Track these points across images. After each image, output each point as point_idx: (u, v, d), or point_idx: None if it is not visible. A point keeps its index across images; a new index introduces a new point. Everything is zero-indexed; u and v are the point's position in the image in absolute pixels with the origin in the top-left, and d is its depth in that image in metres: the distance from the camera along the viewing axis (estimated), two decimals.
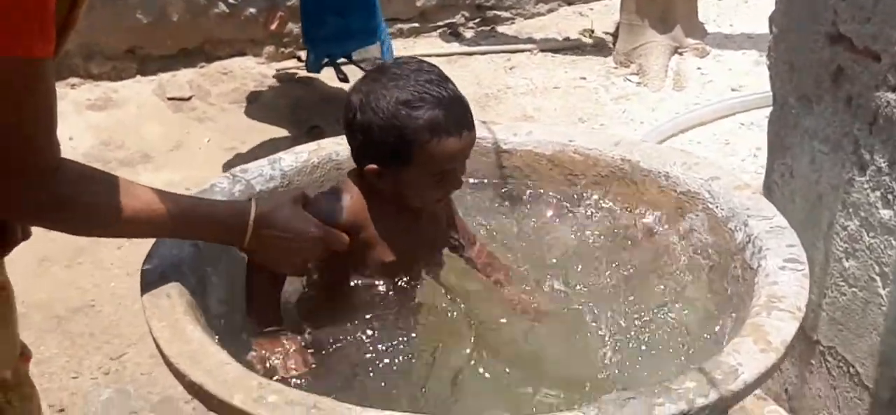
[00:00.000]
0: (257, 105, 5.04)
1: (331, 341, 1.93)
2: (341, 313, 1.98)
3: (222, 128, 4.78)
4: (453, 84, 1.97)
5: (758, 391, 2.75)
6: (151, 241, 1.96)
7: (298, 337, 1.91)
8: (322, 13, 4.45)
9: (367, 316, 1.96)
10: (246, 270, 1.96)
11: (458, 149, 1.94)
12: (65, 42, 1.66)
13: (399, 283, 2.00)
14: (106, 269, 3.57)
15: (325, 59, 4.72)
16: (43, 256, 3.64)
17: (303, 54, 5.37)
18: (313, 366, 1.86)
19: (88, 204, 1.68)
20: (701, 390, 1.59)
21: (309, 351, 1.90)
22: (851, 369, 2.53)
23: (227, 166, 3.10)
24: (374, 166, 1.96)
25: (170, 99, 4.99)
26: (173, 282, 1.87)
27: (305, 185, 2.28)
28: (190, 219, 1.83)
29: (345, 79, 4.75)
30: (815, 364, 2.67)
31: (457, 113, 1.93)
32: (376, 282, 1.99)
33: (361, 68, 4.66)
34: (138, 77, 5.20)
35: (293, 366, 1.85)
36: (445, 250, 2.15)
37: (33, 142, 1.57)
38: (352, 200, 1.99)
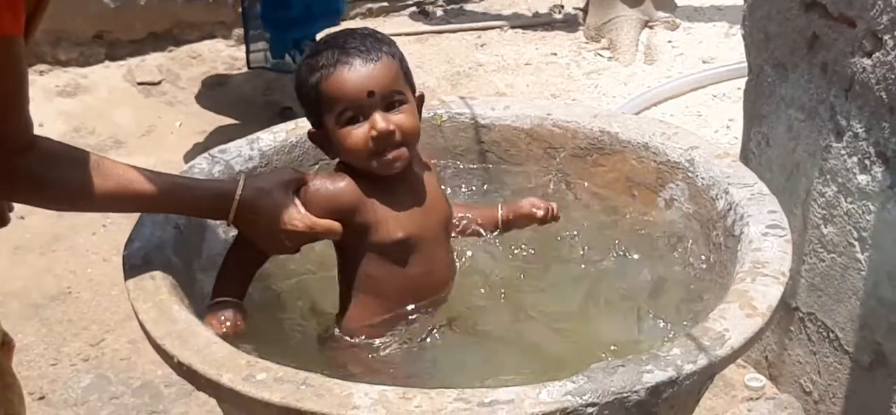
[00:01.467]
0: (228, 88, 5.02)
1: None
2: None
3: (193, 112, 4.75)
4: (368, 30, 1.93)
5: (738, 359, 2.78)
6: (132, 223, 1.95)
7: (243, 309, 1.88)
8: None
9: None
10: (235, 237, 1.95)
11: (352, 78, 1.86)
12: (36, 26, 1.67)
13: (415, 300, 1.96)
14: (82, 255, 3.54)
15: (291, 46, 4.64)
16: (18, 244, 3.61)
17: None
18: (244, 334, 1.83)
19: (63, 181, 1.68)
20: (689, 356, 1.59)
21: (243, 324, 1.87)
22: (831, 335, 2.55)
23: (201, 149, 3.09)
24: (312, 130, 1.97)
25: (140, 84, 4.96)
26: (157, 263, 1.86)
27: (284, 163, 2.27)
28: (171, 199, 1.81)
29: None
30: (794, 331, 2.69)
31: (350, 44, 1.88)
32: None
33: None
34: (107, 62, 5.16)
35: (230, 331, 1.82)
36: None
37: (3, 119, 1.57)
38: (344, 184, 1.92)
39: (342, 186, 1.92)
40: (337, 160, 2.00)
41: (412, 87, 1.97)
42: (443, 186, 2.16)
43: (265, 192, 1.85)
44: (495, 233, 2.17)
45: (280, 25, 4.53)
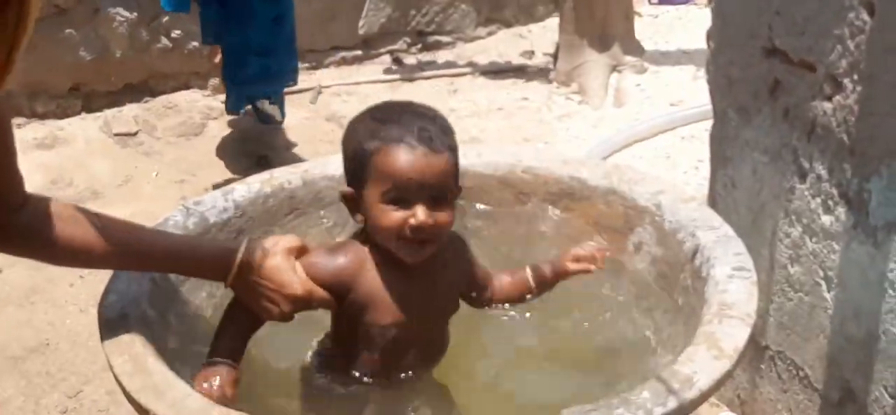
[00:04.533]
0: (204, 138, 5.03)
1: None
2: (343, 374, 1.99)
3: (170, 162, 4.77)
4: (437, 116, 1.92)
5: (711, 398, 2.81)
6: (108, 276, 1.97)
7: (235, 372, 1.85)
8: (245, 54, 4.43)
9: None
10: (231, 299, 1.94)
11: (408, 163, 1.83)
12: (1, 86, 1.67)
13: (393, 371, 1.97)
14: (61, 307, 3.55)
15: (245, 102, 4.71)
16: None
17: None
18: (235, 402, 1.79)
19: (63, 238, 1.69)
20: (658, 399, 1.63)
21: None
22: (801, 372, 2.59)
23: (177, 199, 3.12)
24: (348, 189, 1.93)
25: (116, 135, 4.98)
26: (132, 316, 1.88)
27: (259, 214, 2.30)
28: (172, 259, 1.84)
29: (264, 120, 4.78)
30: (765, 369, 2.73)
31: (416, 128, 1.86)
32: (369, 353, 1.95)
33: (262, 120, 4.77)
34: (84, 114, 5.18)
35: (217, 396, 1.78)
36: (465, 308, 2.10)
37: None
38: (346, 259, 1.92)
39: (341, 262, 1.92)
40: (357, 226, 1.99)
41: (458, 183, 1.96)
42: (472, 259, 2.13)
43: (268, 254, 1.87)
44: (529, 298, 2.15)
45: (237, 82, 4.57)
